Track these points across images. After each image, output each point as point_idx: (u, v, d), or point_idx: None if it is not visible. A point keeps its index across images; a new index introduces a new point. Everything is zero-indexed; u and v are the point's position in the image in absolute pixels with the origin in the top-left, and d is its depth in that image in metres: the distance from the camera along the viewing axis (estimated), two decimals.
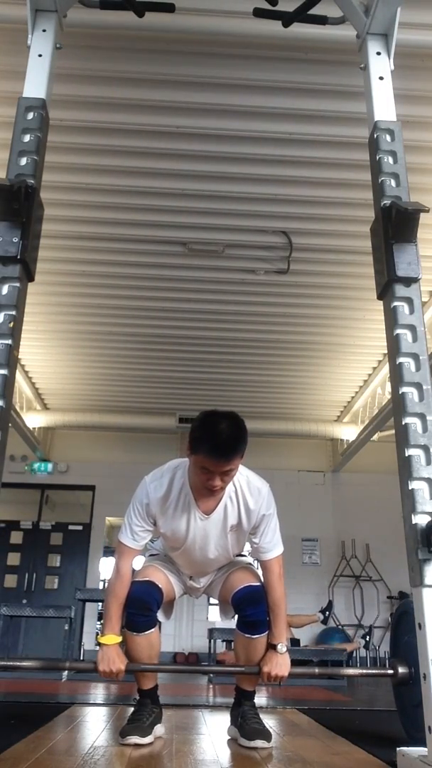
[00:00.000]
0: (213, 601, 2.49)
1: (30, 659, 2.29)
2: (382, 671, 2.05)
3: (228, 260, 5.44)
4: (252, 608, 2.13)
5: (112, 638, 2.07)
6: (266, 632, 2.14)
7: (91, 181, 4.58)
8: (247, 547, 2.37)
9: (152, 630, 2.11)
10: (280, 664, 2.10)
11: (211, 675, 5.22)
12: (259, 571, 2.26)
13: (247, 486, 2.11)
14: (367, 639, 7.96)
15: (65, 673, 4.91)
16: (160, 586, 2.14)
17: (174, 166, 4.42)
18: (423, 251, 2.42)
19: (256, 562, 2.36)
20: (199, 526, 2.11)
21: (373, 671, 1.94)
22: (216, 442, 1.89)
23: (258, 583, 2.18)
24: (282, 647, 2.12)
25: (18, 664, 2.25)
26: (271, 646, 2.14)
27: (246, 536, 2.21)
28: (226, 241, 5.22)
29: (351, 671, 2.74)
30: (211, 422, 1.95)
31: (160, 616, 2.22)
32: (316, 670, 2.27)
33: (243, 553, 2.37)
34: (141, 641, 2.09)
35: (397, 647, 2.11)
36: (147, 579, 2.15)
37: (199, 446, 1.93)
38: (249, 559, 2.37)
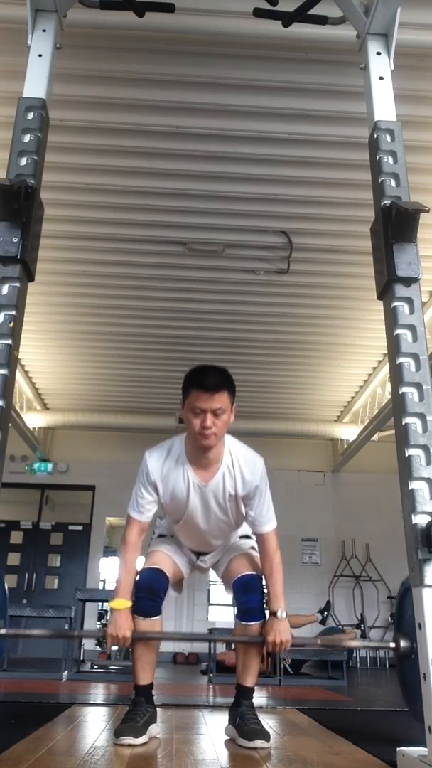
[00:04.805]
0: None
1: (38, 628, 2.34)
2: (385, 644, 2.08)
3: (228, 260, 5.44)
4: (246, 596, 2.24)
5: (123, 602, 2.16)
6: (261, 620, 2.22)
7: (91, 181, 4.58)
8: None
9: (157, 616, 2.20)
10: (282, 630, 2.17)
11: (212, 674, 5.22)
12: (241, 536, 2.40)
13: (243, 459, 2.22)
14: (362, 627, 8.05)
15: (65, 673, 4.92)
16: (167, 573, 2.24)
17: (174, 166, 4.42)
18: (423, 251, 2.42)
19: (257, 551, 2.40)
20: (198, 495, 2.20)
21: (376, 644, 1.98)
22: (202, 377, 2.11)
23: (254, 573, 2.27)
24: (282, 613, 2.19)
25: (27, 632, 2.41)
26: (272, 614, 2.20)
27: (242, 513, 2.28)
28: (226, 241, 5.22)
29: (354, 643, 2.73)
30: (197, 368, 2.18)
31: (172, 591, 2.34)
32: (319, 641, 2.28)
33: (249, 535, 2.43)
34: (145, 625, 2.18)
35: (401, 623, 2.13)
36: (155, 566, 2.24)
37: (188, 388, 2.11)
38: (252, 542, 2.41)
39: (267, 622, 2.20)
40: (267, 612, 2.23)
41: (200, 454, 2.19)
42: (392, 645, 2.04)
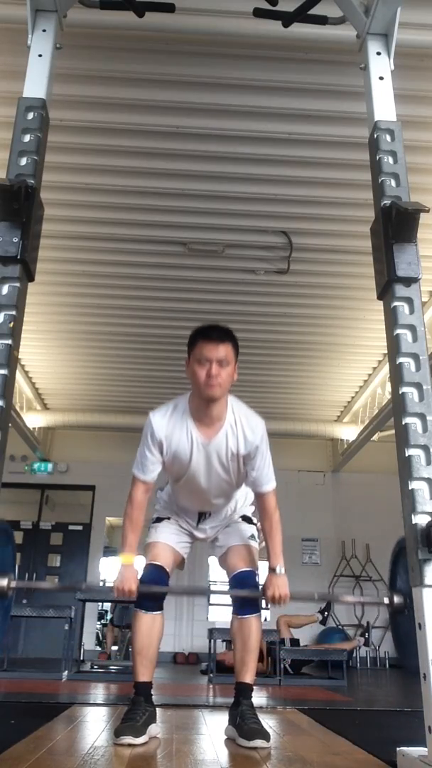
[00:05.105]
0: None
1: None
2: (379, 601, 2.18)
3: (228, 260, 5.44)
4: (242, 591, 2.32)
5: (129, 557, 2.27)
6: (256, 613, 2.32)
7: (91, 181, 4.58)
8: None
9: (158, 612, 2.29)
10: (281, 585, 2.27)
11: (212, 674, 5.22)
12: (248, 536, 2.45)
13: (246, 419, 2.29)
14: (366, 636, 7.98)
15: (65, 673, 4.92)
16: (167, 568, 2.33)
17: (174, 166, 4.42)
18: (423, 251, 2.42)
19: (256, 541, 2.46)
20: (201, 453, 2.26)
21: (370, 600, 2.06)
22: (208, 330, 2.23)
23: (251, 569, 2.36)
24: (280, 569, 2.29)
25: (37, 585, 2.38)
26: (271, 570, 2.30)
27: (243, 473, 2.33)
28: (226, 241, 5.22)
29: (350, 598, 2.78)
30: (202, 325, 2.28)
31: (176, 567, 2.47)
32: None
33: (250, 517, 2.49)
34: (147, 619, 2.26)
35: (394, 580, 2.22)
36: (156, 563, 2.32)
37: (194, 341, 2.22)
38: (253, 530, 2.47)
39: (267, 578, 2.30)
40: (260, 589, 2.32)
41: (204, 410, 2.24)
42: (386, 601, 2.11)
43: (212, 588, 8.90)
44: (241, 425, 2.26)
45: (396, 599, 2.07)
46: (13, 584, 2.00)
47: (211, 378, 2.15)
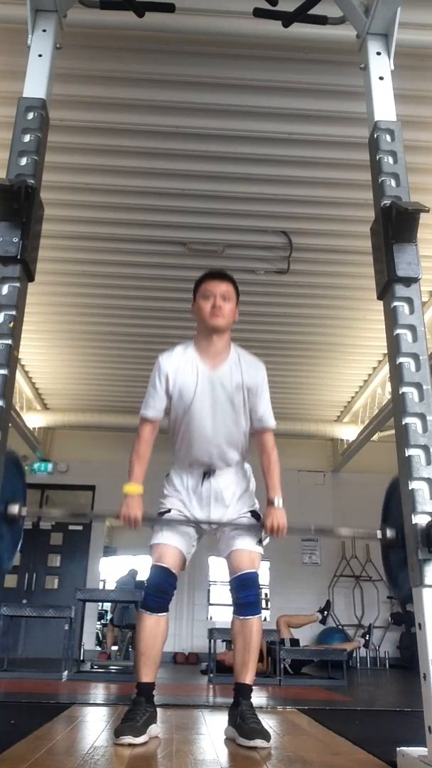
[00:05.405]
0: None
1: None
2: (371, 533, 2.23)
3: (228, 260, 5.43)
4: (245, 592, 2.34)
5: (135, 487, 2.36)
6: (257, 615, 2.34)
7: (91, 181, 4.58)
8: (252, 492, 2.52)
9: (164, 613, 2.30)
10: (279, 516, 2.35)
11: (212, 674, 5.22)
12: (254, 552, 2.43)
13: (246, 356, 2.47)
14: (367, 638, 7.96)
15: (65, 673, 4.92)
16: (174, 570, 2.33)
17: (174, 166, 4.42)
18: (423, 251, 2.42)
19: (263, 545, 2.44)
20: (206, 381, 2.37)
21: (362, 531, 2.08)
22: (211, 271, 2.50)
23: (254, 570, 2.37)
24: (279, 501, 2.38)
25: (48, 512, 2.44)
26: (270, 503, 2.38)
27: (248, 409, 2.42)
28: (226, 241, 5.22)
29: (344, 531, 2.81)
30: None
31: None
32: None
33: (257, 511, 2.48)
34: (152, 620, 2.27)
35: (387, 515, 2.26)
36: (163, 565, 2.31)
37: (199, 282, 2.45)
38: (261, 533, 2.44)
39: (266, 510, 2.37)
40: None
41: (208, 343, 2.41)
42: (379, 535, 2.17)
43: (211, 588, 8.92)
44: (244, 362, 2.43)
45: (388, 533, 2.15)
46: (24, 511, 2.11)
47: (215, 308, 2.36)
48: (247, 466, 2.56)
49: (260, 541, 2.42)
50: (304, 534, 2.45)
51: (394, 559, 2.16)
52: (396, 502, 2.02)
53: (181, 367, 2.39)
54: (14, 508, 2.06)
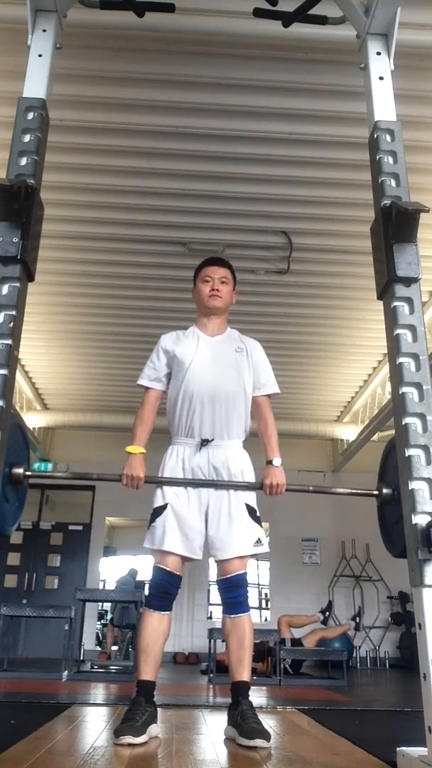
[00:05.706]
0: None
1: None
2: (368, 491, 2.31)
3: (228, 260, 5.43)
4: (234, 592, 2.38)
5: (138, 448, 2.45)
6: (246, 612, 2.37)
7: (91, 181, 4.58)
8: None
9: (167, 612, 2.35)
10: (278, 475, 2.46)
11: (212, 674, 5.22)
12: (255, 542, 2.44)
13: (244, 336, 2.65)
14: (357, 620, 8.07)
15: (65, 673, 4.92)
16: (178, 574, 2.37)
17: (174, 166, 4.42)
18: (423, 251, 2.42)
19: (262, 544, 2.44)
20: (206, 345, 2.54)
21: (360, 490, 2.11)
22: (211, 258, 2.73)
23: (242, 572, 2.39)
24: (277, 461, 2.49)
25: (52, 474, 2.48)
26: (268, 462, 2.48)
27: (250, 371, 2.54)
28: (226, 241, 5.22)
29: (340, 490, 2.82)
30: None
31: None
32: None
33: (256, 511, 2.46)
34: (155, 618, 2.32)
35: (384, 473, 2.32)
36: (167, 569, 2.34)
37: (199, 268, 2.66)
38: (260, 533, 2.44)
39: (265, 469, 2.46)
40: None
41: (208, 321, 2.62)
42: (375, 492, 2.24)
43: (211, 588, 8.92)
44: (243, 338, 2.63)
45: (384, 490, 2.23)
46: (29, 473, 2.16)
47: (214, 290, 2.56)
48: (249, 465, 2.52)
49: (259, 541, 2.42)
50: (301, 491, 2.48)
51: (389, 516, 2.26)
52: (392, 463, 2.10)
53: (180, 339, 2.58)
54: (19, 470, 2.11)
